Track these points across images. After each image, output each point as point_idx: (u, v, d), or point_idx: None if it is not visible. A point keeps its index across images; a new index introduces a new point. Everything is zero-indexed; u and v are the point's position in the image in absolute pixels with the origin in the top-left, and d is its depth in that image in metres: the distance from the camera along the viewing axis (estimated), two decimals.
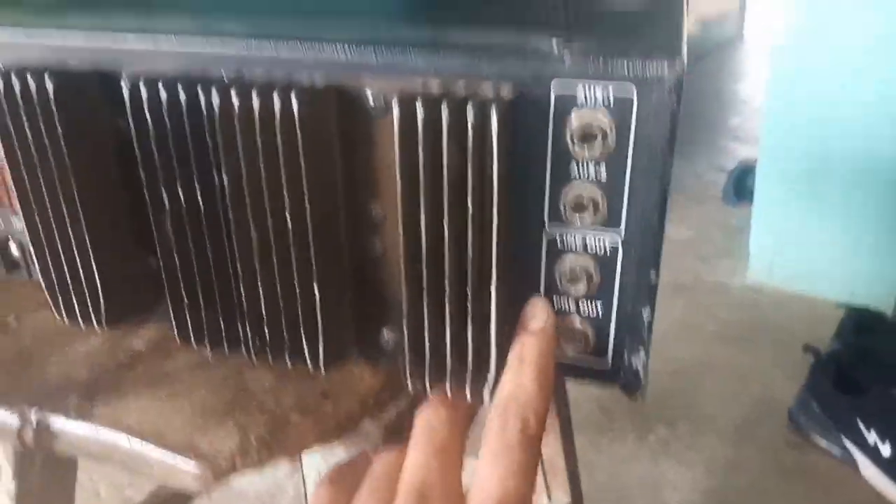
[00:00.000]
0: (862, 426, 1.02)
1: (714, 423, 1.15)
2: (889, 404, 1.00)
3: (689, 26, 0.28)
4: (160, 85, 0.30)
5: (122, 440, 0.31)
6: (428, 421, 0.30)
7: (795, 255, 1.48)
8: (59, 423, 0.32)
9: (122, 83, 0.31)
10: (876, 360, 1.09)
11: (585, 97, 0.27)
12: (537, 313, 0.30)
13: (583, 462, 0.93)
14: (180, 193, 0.31)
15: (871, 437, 1.01)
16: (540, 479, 0.75)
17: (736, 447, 1.10)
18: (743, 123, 2.55)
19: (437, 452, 0.29)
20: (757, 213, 1.52)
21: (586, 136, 0.27)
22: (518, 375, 0.29)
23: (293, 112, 0.28)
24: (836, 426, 1.05)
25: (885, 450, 0.99)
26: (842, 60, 1.31)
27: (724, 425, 1.14)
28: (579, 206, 0.28)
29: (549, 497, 0.76)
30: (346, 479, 0.31)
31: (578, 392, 0.74)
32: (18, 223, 0.41)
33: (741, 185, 1.83)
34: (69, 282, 0.36)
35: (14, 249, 0.41)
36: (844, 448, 1.04)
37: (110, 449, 0.31)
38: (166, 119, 0.30)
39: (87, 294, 0.36)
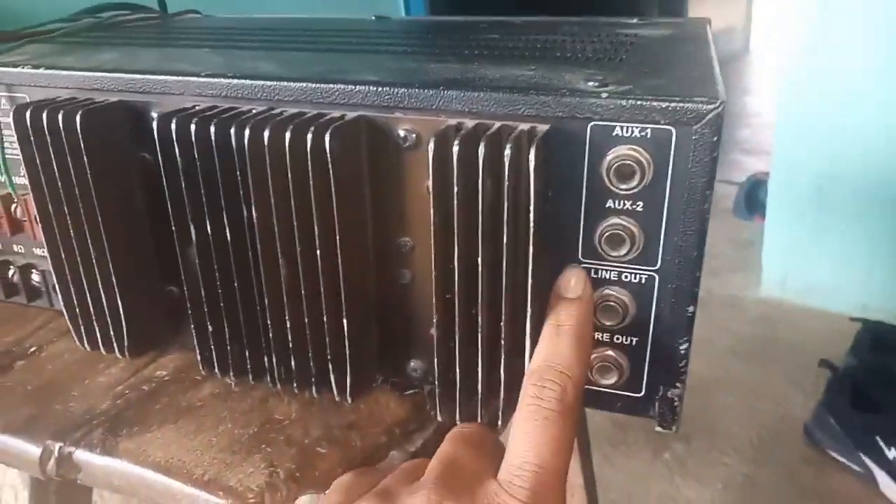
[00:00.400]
0: (882, 443, 1.01)
1: (730, 440, 1.13)
2: None
3: None
4: (190, 119, 0.29)
5: (149, 475, 0.30)
6: (461, 428, 0.30)
7: (808, 268, 1.47)
8: (84, 456, 0.32)
9: (152, 117, 0.31)
10: (893, 375, 1.08)
11: (622, 135, 0.27)
12: (574, 282, 0.29)
13: (597, 478, 0.92)
14: (208, 227, 0.31)
15: (892, 453, 0.99)
16: None
17: (753, 464, 1.09)
18: (752, 136, 2.54)
19: (469, 444, 0.29)
20: (769, 227, 1.51)
21: (623, 173, 0.27)
22: (555, 343, 0.28)
23: (325, 146, 0.28)
24: (854, 443, 1.04)
25: None
26: (852, 73, 1.30)
27: (740, 442, 1.13)
28: (615, 241, 0.28)
29: None
30: (369, 473, 0.31)
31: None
32: (40, 251, 0.40)
33: (752, 199, 1.82)
34: (92, 311, 0.36)
35: (36, 278, 0.41)
36: (863, 465, 1.03)
37: (136, 484, 0.30)
38: (195, 153, 0.30)
39: (109, 323, 0.36)
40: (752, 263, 1.60)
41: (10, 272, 0.41)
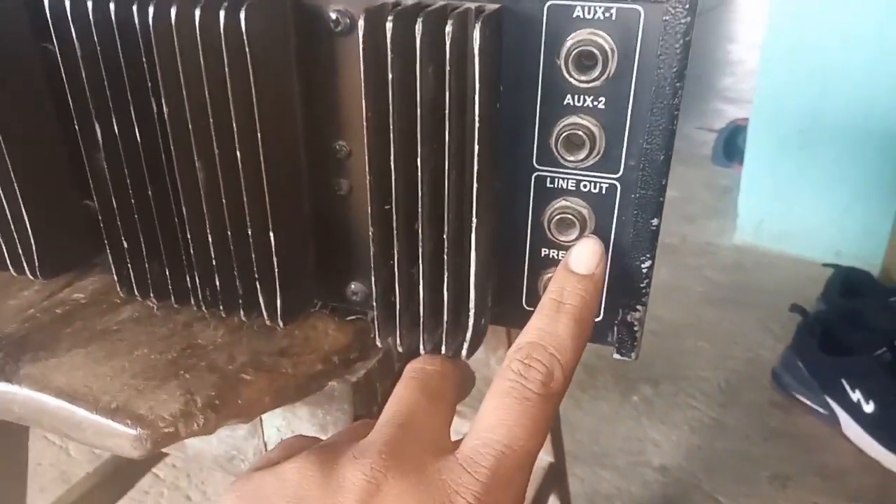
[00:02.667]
0: (847, 386, 1.01)
1: (699, 384, 1.13)
2: (874, 365, 0.99)
3: None
4: None
5: (51, 402, 0.27)
6: (421, 366, 0.26)
7: (784, 214, 1.45)
8: None
9: None
10: (862, 320, 1.08)
11: (583, 15, 0.23)
12: (586, 254, 0.25)
13: (564, 420, 0.91)
14: (115, 125, 0.27)
15: (856, 395, 1.00)
16: None
17: (720, 407, 1.09)
18: (735, 84, 2.50)
19: (427, 393, 0.25)
20: (747, 172, 1.49)
21: (583, 62, 0.23)
22: (553, 321, 0.24)
23: (241, 25, 0.24)
24: (820, 385, 1.04)
25: (868, 407, 0.98)
26: (838, 21, 1.26)
27: (709, 385, 1.13)
28: (573, 144, 0.25)
29: None
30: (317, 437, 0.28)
31: None
32: None
33: (731, 146, 1.80)
34: None
35: None
36: (828, 407, 1.04)
37: (37, 412, 0.27)
38: (95, 38, 0.26)
39: (17, 241, 0.32)
40: (728, 210, 1.59)
41: None
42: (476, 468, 0.22)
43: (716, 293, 1.36)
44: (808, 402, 1.07)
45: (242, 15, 0.24)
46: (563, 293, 0.25)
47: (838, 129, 1.32)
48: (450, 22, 0.22)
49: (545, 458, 0.72)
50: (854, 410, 1.00)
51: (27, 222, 0.32)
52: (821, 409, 1.05)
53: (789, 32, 1.33)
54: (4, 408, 0.28)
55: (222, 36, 0.24)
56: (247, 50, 0.24)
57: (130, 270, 0.31)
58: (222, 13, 0.24)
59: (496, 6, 0.23)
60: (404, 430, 0.24)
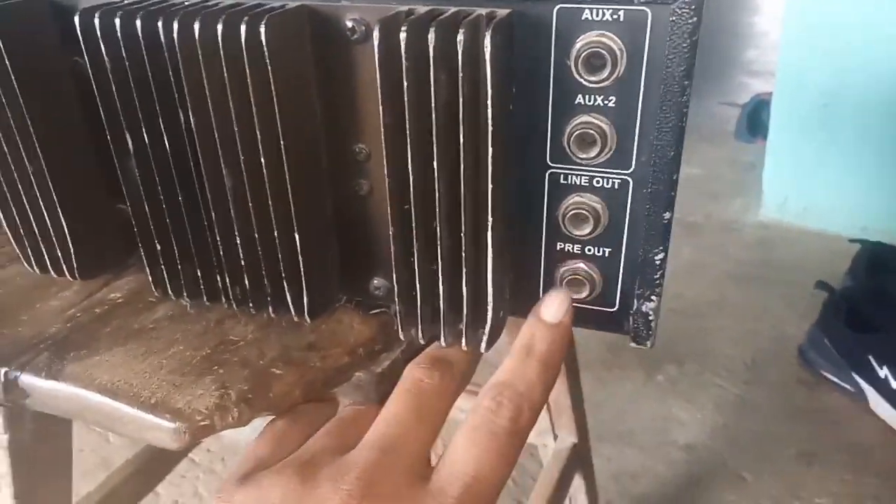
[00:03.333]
0: (874, 363, 1.00)
1: (724, 363, 1.13)
2: None
3: None
4: (115, 13, 0.26)
5: (94, 398, 0.29)
6: (418, 380, 0.28)
7: (809, 190, 1.44)
8: (29, 380, 0.30)
9: (76, 13, 0.28)
10: (888, 296, 1.07)
11: (592, 17, 0.24)
12: (555, 305, 0.28)
13: (589, 400, 0.92)
14: (145, 135, 0.29)
15: (883, 372, 0.99)
16: (545, 417, 0.74)
17: (746, 386, 1.09)
18: (759, 57, 2.46)
19: (419, 413, 0.27)
20: (771, 148, 1.47)
21: (593, 62, 0.24)
22: (522, 364, 0.27)
23: (261, 38, 0.25)
24: (847, 363, 1.04)
25: None
26: None
27: (734, 364, 1.13)
28: (585, 142, 0.25)
29: (555, 437, 0.75)
30: (309, 416, 0.29)
31: (585, 331, 0.73)
32: None
33: (755, 121, 1.77)
34: (37, 232, 0.34)
35: None
36: (856, 384, 1.03)
37: (82, 408, 0.29)
38: (123, 53, 0.27)
39: (56, 244, 0.34)
40: (752, 187, 1.57)
41: None
42: (444, 498, 0.24)
43: (740, 270, 1.35)
44: (835, 380, 1.06)
45: (263, 28, 0.24)
46: (534, 339, 0.27)
47: (862, 104, 1.29)
48: (461, 31, 0.23)
49: (568, 438, 0.73)
50: (882, 387, 1.00)
51: (65, 227, 0.33)
52: (848, 387, 1.05)
53: (810, 6, 1.30)
54: (51, 404, 0.30)
55: (244, 49, 0.25)
56: (267, 61, 0.25)
57: (164, 271, 0.32)
58: (243, 27, 0.25)
59: (507, 11, 0.24)
60: (386, 457, 0.25)
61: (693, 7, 0.22)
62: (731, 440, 1.00)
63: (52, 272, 0.35)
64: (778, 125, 1.44)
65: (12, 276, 0.38)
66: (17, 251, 0.35)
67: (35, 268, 0.36)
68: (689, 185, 1.58)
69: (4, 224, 0.35)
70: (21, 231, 0.34)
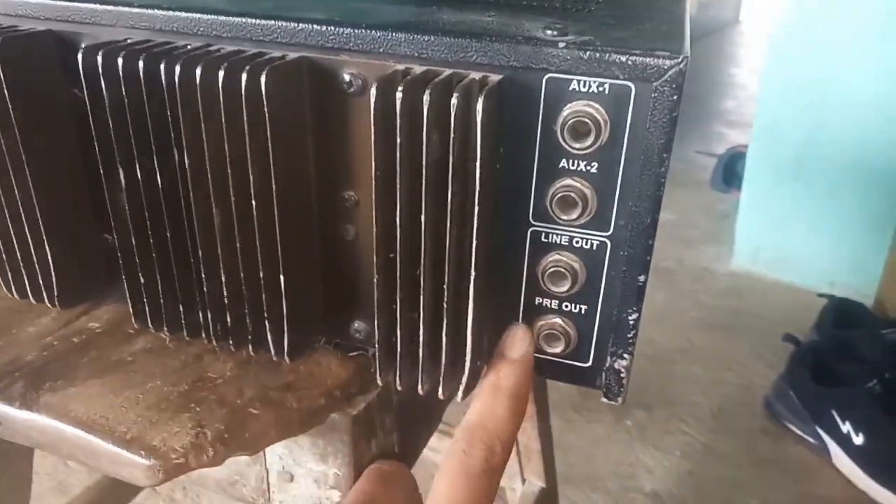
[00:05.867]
0: (837, 417, 1.02)
1: (691, 409, 1.15)
2: (865, 397, 1.01)
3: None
4: (118, 52, 0.27)
5: (70, 431, 0.29)
6: (378, 466, 0.31)
7: (780, 243, 1.47)
8: (3, 409, 0.30)
9: (80, 49, 0.28)
10: (854, 352, 1.10)
11: (579, 88, 0.25)
12: (517, 342, 0.29)
13: (557, 443, 0.92)
14: (138, 171, 0.29)
15: (846, 427, 1.01)
16: (514, 461, 0.74)
17: (712, 434, 1.10)
18: (737, 108, 2.53)
19: (387, 485, 0.30)
20: (745, 200, 1.51)
21: (578, 130, 0.25)
22: (491, 403, 0.28)
23: (261, 87, 0.25)
24: (811, 416, 1.06)
25: (858, 439, 1.00)
26: (838, 48, 1.29)
27: (701, 412, 1.14)
28: (567, 203, 0.26)
29: (523, 480, 0.76)
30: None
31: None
32: None
33: (730, 171, 1.82)
34: (19, 257, 0.34)
35: None
36: (819, 437, 1.05)
37: (57, 440, 0.29)
38: (123, 90, 0.28)
39: (38, 271, 0.34)
40: (725, 236, 1.61)
41: None
42: None
43: (711, 318, 1.38)
44: (799, 432, 1.08)
45: (263, 78, 0.25)
46: (500, 376, 0.29)
47: (834, 161, 1.34)
48: (455, 95, 0.24)
49: (537, 483, 0.73)
50: (844, 442, 1.02)
51: (48, 255, 0.34)
52: (811, 439, 1.06)
53: (787, 65, 1.35)
54: (25, 434, 0.30)
55: (243, 96, 0.26)
56: (265, 109, 0.26)
57: (146, 304, 0.32)
58: (244, 75, 0.26)
59: (499, 77, 0.25)
60: None
61: (674, 85, 0.23)
62: (695, 488, 1.01)
63: (32, 298, 0.35)
64: (752, 177, 1.48)
65: None
66: None
67: (14, 293, 0.36)
68: (663, 230, 1.60)
69: None
70: (3, 256, 0.34)
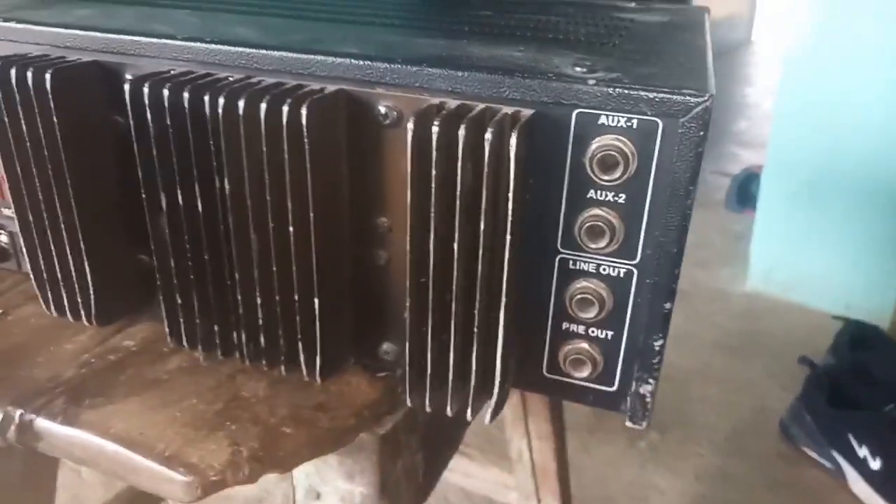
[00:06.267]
0: (853, 441, 1.02)
1: (706, 432, 1.14)
2: (881, 421, 1.00)
3: None
4: (164, 84, 0.28)
5: (110, 448, 0.29)
6: None
7: (795, 264, 1.47)
8: (45, 425, 0.31)
9: (126, 79, 0.30)
10: (870, 375, 1.09)
11: (608, 123, 0.26)
12: None
13: (571, 463, 0.92)
14: (179, 196, 0.30)
15: (862, 451, 1.01)
16: (531, 482, 0.75)
17: (726, 456, 1.09)
18: (750, 128, 2.53)
19: None
20: (760, 221, 1.51)
21: (606, 163, 0.26)
22: None
23: (301, 119, 0.27)
24: (827, 439, 1.05)
25: (875, 464, 0.99)
26: (854, 69, 1.29)
27: (715, 434, 1.14)
28: (595, 232, 0.27)
29: (538, 500, 0.76)
30: None
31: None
32: (9, 212, 0.39)
33: (744, 192, 1.82)
34: (59, 276, 0.35)
35: (4, 239, 0.40)
36: (834, 461, 1.04)
37: (97, 456, 0.30)
38: (168, 119, 0.29)
39: (77, 289, 0.35)
40: (740, 257, 1.61)
41: None
42: None
43: (726, 340, 1.37)
44: (815, 456, 1.07)
45: (304, 111, 0.26)
46: None
47: (849, 184, 1.34)
48: (489, 130, 0.25)
49: (552, 503, 0.74)
50: (860, 466, 1.01)
51: (88, 274, 0.35)
52: (827, 463, 1.06)
53: (802, 86, 1.36)
54: (65, 450, 0.31)
55: (284, 127, 0.27)
56: (305, 140, 0.27)
57: (182, 324, 0.33)
58: (286, 108, 0.27)
59: (530, 112, 0.26)
60: None
61: (700, 122, 0.24)
62: None
63: (70, 316, 0.36)
64: (767, 198, 1.48)
65: (27, 317, 0.39)
66: (37, 293, 0.37)
67: (53, 310, 0.37)
68: None
69: (28, 266, 0.36)
70: (44, 275, 0.36)
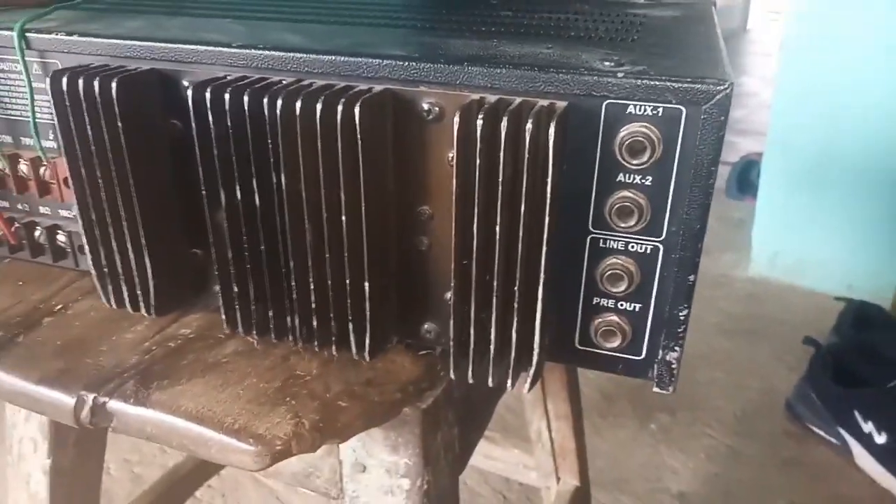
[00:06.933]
0: (859, 417, 1.04)
1: (715, 413, 1.17)
2: (886, 397, 1.03)
3: None
4: (224, 89, 0.31)
5: (181, 424, 0.32)
6: None
7: (797, 248, 1.50)
8: (117, 406, 0.34)
9: (186, 86, 0.32)
10: (873, 353, 1.12)
11: (635, 112, 0.28)
12: None
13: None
14: (238, 192, 0.33)
15: (868, 426, 1.03)
16: (550, 461, 0.77)
17: (736, 436, 1.12)
18: (747, 116, 2.56)
19: None
20: (761, 206, 1.54)
21: (634, 149, 0.28)
22: None
23: (355, 118, 0.29)
24: (833, 417, 1.08)
25: (880, 438, 1.02)
26: (850, 54, 1.32)
27: (724, 415, 1.17)
28: (624, 213, 0.30)
29: (558, 479, 0.78)
30: None
31: (581, 379, 0.77)
32: (66, 213, 0.42)
33: (744, 179, 1.85)
34: (121, 271, 0.38)
35: (61, 238, 0.43)
36: (841, 437, 1.07)
37: (169, 432, 0.32)
38: (228, 122, 0.31)
39: (137, 283, 0.38)
40: (742, 243, 1.63)
41: (37, 233, 0.43)
42: None
43: (730, 324, 1.40)
44: (822, 433, 1.10)
45: (357, 109, 0.29)
46: None
47: (848, 167, 1.37)
48: (529, 121, 0.27)
49: (571, 482, 0.76)
50: (866, 441, 1.04)
51: (148, 268, 0.37)
52: (834, 440, 1.08)
53: (800, 72, 1.38)
54: (138, 428, 0.33)
55: (339, 125, 0.29)
56: (358, 136, 0.30)
57: (238, 310, 0.36)
58: (340, 107, 0.29)
59: (564, 104, 0.28)
60: None
61: (722, 108, 0.27)
62: (723, 490, 1.03)
63: (129, 308, 0.39)
64: (768, 184, 1.51)
65: (86, 310, 0.41)
66: (98, 287, 0.39)
67: (112, 303, 0.39)
68: None
69: (90, 262, 0.38)
70: (106, 269, 0.38)
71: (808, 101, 1.39)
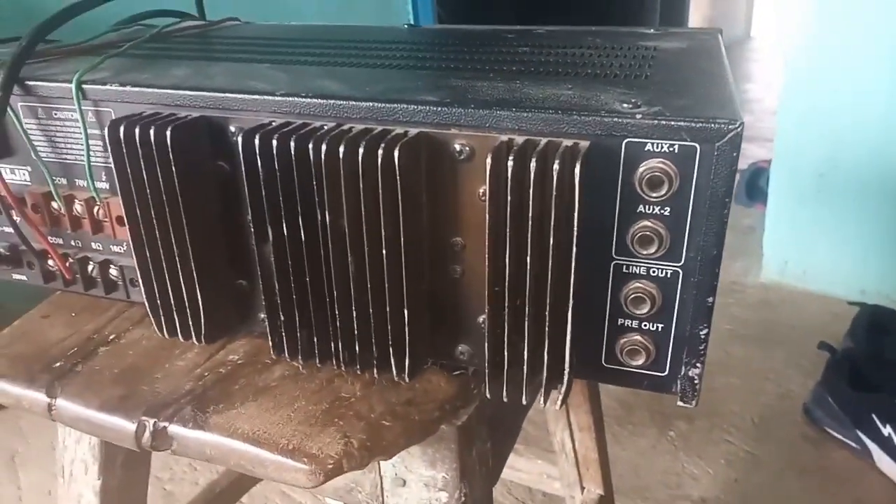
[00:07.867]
0: (877, 421, 1.06)
1: (732, 419, 1.19)
2: None
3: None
4: (272, 135, 0.34)
5: (239, 446, 0.35)
6: None
7: (808, 254, 1.51)
8: (177, 430, 0.36)
9: (234, 133, 0.35)
10: (888, 357, 1.13)
11: (653, 149, 0.31)
12: None
13: None
14: (284, 228, 0.35)
15: (887, 430, 1.05)
16: (574, 471, 0.79)
17: (754, 441, 1.14)
18: (753, 123, 2.57)
19: None
20: (771, 213, 1.56)
21: (653, 182, 0.31)
22: None
23: (394, 160, 0.32)
24: (851, 421, 1.09)
25: None
26: (856, 61, 1.34)
27: (742, 422, 1.18)
28: (645, 241, 0.32)
29: (583, 489, 0.80)
30: None
31: (600, 389, 0.79)
32: (117, 248, 0.45)
33: (753, 186, 1.86)
34: (172, 302, 0.41)
35: (113, 272, 0.45)
36: (860, 441, 1.08)
37: (228, 453, 0.35)
38: (276, 165, 0.34)
39: (188, 312, 0.41)
40: (753, 249, 1.65)
41: (90, 267, 0.46)
42: None
43: (744, 331, 1.42)
44: (840, 437, 1.11)
45: (396, 153, 0.32)
46: None
47: (856, 176, 1.38)
48: (556, 160, 0.30)
49: (595, 491, 0.78)
50: (886, 444, 1.05)
51: (199, 298, 0.40)
52: (853, 444, 1.10)
53: (807, 78, 1.40)
54: (198, 451, 0.36)
55: (379, 167, 0.32)
56: (397, 177, 0.32)
57: (284, 337, 0.39)
58: (380, 151, 0.32)
59: (587, 143, 0.31)
60: None
61: (733, 144, 0.29)
62: (743, 495, 1.05)
63: (181, 337, 0.42)
64: (777, 192, 1.53)
65: (138, 339, 0.44)
66: (150, 317, 0.42)
67: (165, 333, 0.42)
68: None
69: (143, 294, 0.41)
70: (158, 301, 0.41)
71: (812, 109, 1.41)
